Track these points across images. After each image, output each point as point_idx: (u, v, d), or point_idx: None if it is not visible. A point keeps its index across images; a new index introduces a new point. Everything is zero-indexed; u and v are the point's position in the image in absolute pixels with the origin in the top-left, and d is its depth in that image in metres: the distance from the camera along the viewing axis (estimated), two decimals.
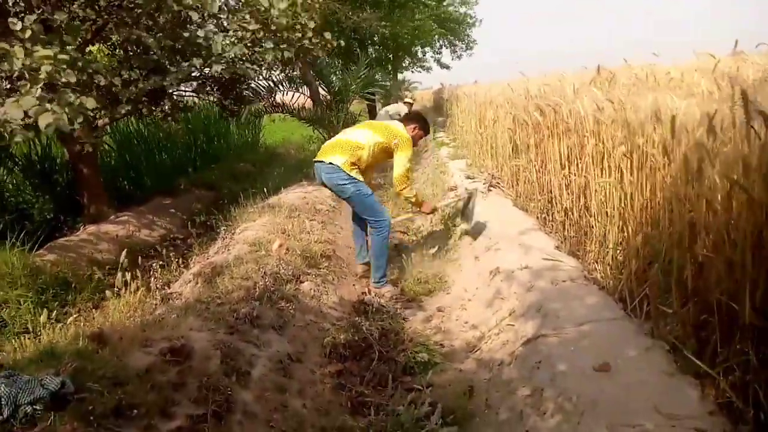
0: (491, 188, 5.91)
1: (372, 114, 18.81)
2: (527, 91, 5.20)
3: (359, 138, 4.18)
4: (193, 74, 5.24)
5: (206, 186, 9.14)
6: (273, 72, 7.73)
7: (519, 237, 4.01)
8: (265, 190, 6.12)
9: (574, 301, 2.88)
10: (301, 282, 3.53)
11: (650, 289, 2.67)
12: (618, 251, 3.24)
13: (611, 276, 3.23)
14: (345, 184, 4.00)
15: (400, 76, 11.16)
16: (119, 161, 8.85)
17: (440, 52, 22.69)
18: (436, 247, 4.88)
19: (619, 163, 3.33)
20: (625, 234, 3.23)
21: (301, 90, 8.96)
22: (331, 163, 4.00)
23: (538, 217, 4.69)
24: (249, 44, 5.50)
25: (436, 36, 19.21)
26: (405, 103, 12.01)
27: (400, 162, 4.15)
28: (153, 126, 10.00)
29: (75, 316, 3.88)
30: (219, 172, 10.21)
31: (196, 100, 8.01)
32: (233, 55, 5.29)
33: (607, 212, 3.41)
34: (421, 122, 4.53)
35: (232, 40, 5.11)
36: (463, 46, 22.76)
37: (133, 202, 7.86)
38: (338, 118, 8.63)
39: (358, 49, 10.58)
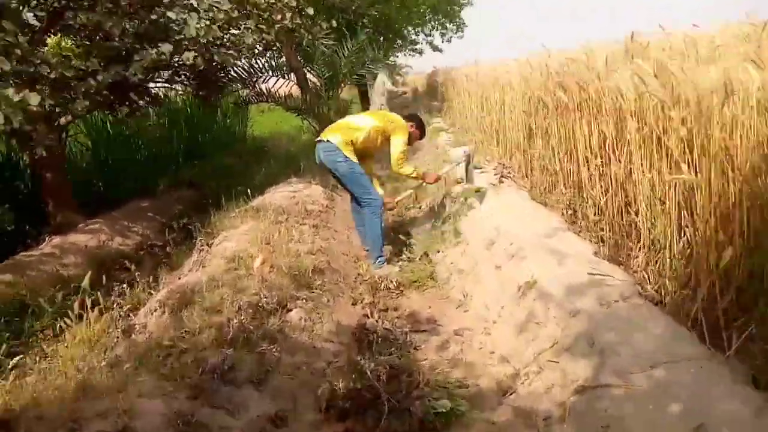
0: (502, 179, 5.27)
1: (365, 101, 18.09)
2: (546, 68, 4.52)
3: (358, 121, 4.58)
4: (162, 62, 4.54)
5: (189, 185, 8.46)
6: (254, 57, 6.97)
7: (546, 240, 3.38)
8: (249, 191, 5.44)
9: (636, 331, 2.25)
10: (289, 311, 2.88)
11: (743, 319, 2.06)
12: (680, 260, 2.61)
13: (673, 292, 2.60)
14: (340, 161, 4.26)
15: (392, 59, 10.44)
16: (93, 162, 8.15)
17: (431, 35, 21.91)
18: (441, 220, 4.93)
19: (673, 150, 2.69)
20: (687, 237, 2.60)
21: (287, 77, 8.25)
22: (329, 141, 4.27)
23: (563, 214, 4.06)
24: (224, 26, 4.82)
25: (428, 16, 18.42)
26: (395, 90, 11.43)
27: (396, 144, 4.41)
28: (133, 122, 9.33)
29: (21, 357, 3.23)
30: (203, 168, 9.53)
31: (172, 91, 7.27)
32: (207, 40, 4.60)
33: (661, 209, 2.77)
34: (419, 123, 4.85)
35: (206, 22, 4.42)
36: (454, 28, 21.97)
37: (108, 206, 7.18)
38: (328, 105, 7.94)
39: (347, 32, 9.81)
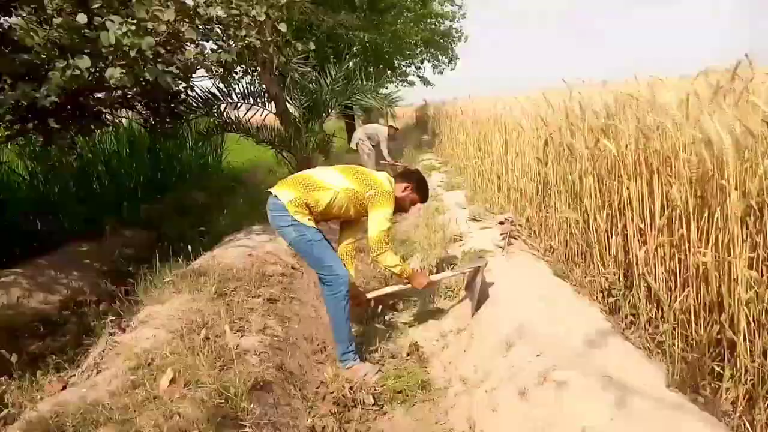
0: (511, 240, 4.26)
1: (351, 133, 17.20)
2: (572, 107, 3.56)
3: (325, 178, 3.22)
4: (80, 80, 3.50)
5: (143, 224, 7.35)
6: (217, 80, 5.92)
7: (591, 352, 2.35)
8: (185, 253, 4.35)
9: None
10: None
11: None
12: None
13: None
14: (286, 226, 3.09)
15: (382, 91, 9.53)
16: (31, 196, 7.01)
17: (422, 67, 21.29)
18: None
19: None
20: None
21: (264, 106, 7.25)
22: (276, 197, 3.12)
23: (596, 299, 3.05)
24: (169, 41, 3.82)
25: (419, 49, 17.73)
26: (389, 126, 10.28)
27: (376, 220, 3.14)
28: (85, 147, 8.25)
29: None
30: (165, 204, 8.44)
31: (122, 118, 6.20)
32: (143, 54, 3.59)
33: None
34: (417, 183, 3.48)
35: (131, 28, 3.41)
36: (446, 60, 21.37)
37: (40, 250, 6.05)
38: (306, 138, 6.94)
39: (333, 59, 8.93)
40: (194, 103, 6.34)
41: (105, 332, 3.00)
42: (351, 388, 2.74)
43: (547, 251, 4.23)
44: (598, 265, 3.13)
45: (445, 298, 3.92)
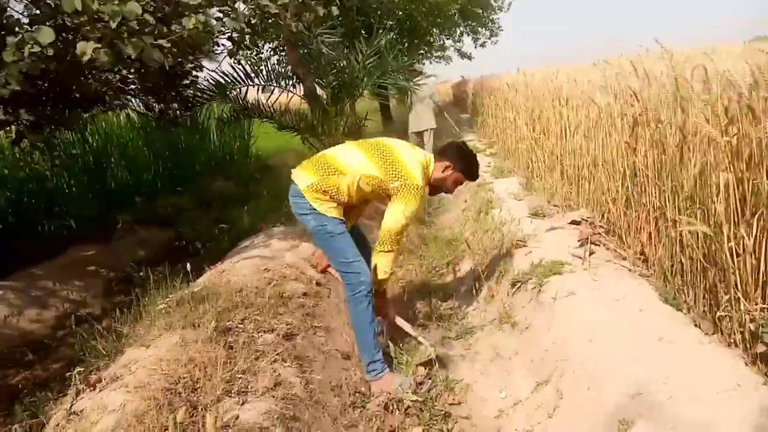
0: (593, 247, 3.36)
1: (386, 115, 16.26)
2: (671, 72, 2.62)
3: (347, 159, 2.83)
4: (52, 57, 2.73)
5: (160, 221, 6.69)
6: (234, 59, 5.04)
7: None
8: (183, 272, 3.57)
9: None
10: None
11: None
12: None
13: None
14: (305, 214, 2.82)
15: (418, 67, 8.59)
16: (36, 193, 6.39)
17: (461, 40, 20.08)
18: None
19: None
20: None
21: (289, 87, 6.44)
22: (295, 183, 2.83)
23: (740, 345, 2.16)
24: (153, 5, 3.02)
25: (458, 18, 16.54)
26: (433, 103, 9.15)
27: (394, 215, 2.74)
28: (101, 137, 7.62)
29: None
30: (187, 198, 7.77)
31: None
32: (125, 25, 2.81)
33: None
34: (462, 161, 3.00)
35: None
36: (487, 33, 20.09)
37: (44, 256, 5.44)
38: (335, 123, 6.11)
39: (364, 33, 8.02)
40: (206, 87, 5.56)
41: (71, 393, 2.27)
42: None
43: (636, 260, 3.33)
44: (735, 295, 2.21)
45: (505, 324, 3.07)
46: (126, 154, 7.87)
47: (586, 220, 3.67)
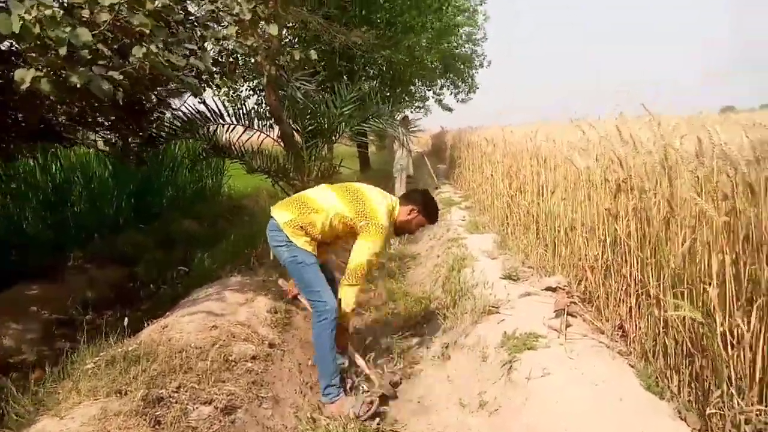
0: (569, 318, 3.14)
1: (363, 160, 16.19)
2: (659, 139, 2.48)
3: (323, 200, 3.18)
4: None
5: (118, 260, 6.31)
6: (192, 92, 4.83)
7: None
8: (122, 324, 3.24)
9: None
10: None
11: None
12: None
13: None
14: (280, 246, 3.08)
15: (401, 114, 8.61)
16: None
17: (441, 93, 20.39)
18: None
19: None
20: None
21: (262, 129, 6.22)
22: (273, 218, 3.14)
23: None
24: (110, 36, 2.80)
25: (438, 70, 16.75)
26: (408, 151, 9.67)
27: (360, 251, 3.06)
28: (62, 168, 7.26)
29: None
30: (146, 236, 7.41)
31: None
32: (73, 47, 2.58)
33: None
34: (423, 205, 3.38)
35: (55, 16, 2.40)
36: (466, 87, 20.45)
37: None
38: (308, 167, 5.90)
39: (346, 78, 7.92)
40: (172, 124, 5.31)
41: None
42: None
43: (615, 334, 3.11)
44: (728, 391, 1.99)
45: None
46: (90, 187, 7.52)
47: (563, 288, 3.46)
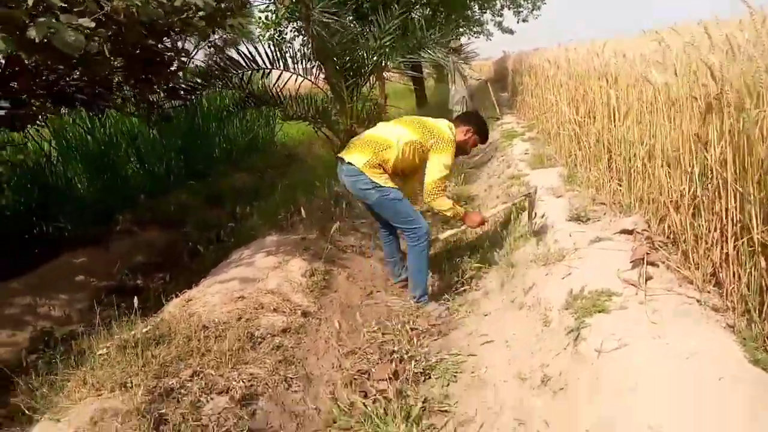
0: (650, 269, 2.62)
1: (420, 96, 15.41)
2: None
3: (389, 134, 3.41)
4: None
5: (165, 220, 6.20)
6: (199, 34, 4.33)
7: None
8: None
9: None
10: None
11: None
12: None
13: None
14: (368, 189, 3.31)
15: (457, 43, 7.90)
16: (29, 188, 5.94)
17: (501, 14, 18.95)
18: None
19: None
20: None
21: (297, 71, 5.75)
22: (350, 164, 3.30)
23: None
24: None
25: None
26: (464, 81, 9.12)
27: (435, 167, 3.35)
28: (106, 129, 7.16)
29: None
30: (198, 192, 7.28)
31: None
32: None
33: None
34: (477, 125, 3.68)
35: None
36: (529, 5, 18.87)
37: (40, 259, 5.02)
38: (350, 110, 5.44)
39: (389, 5, 7.22)
40: (200, 73, 4.94)
41: None
42: None
43: (706, 284, 2.57)
44: None
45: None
46: (136, 146, 7.41)
47: (641, 233, 2.90)
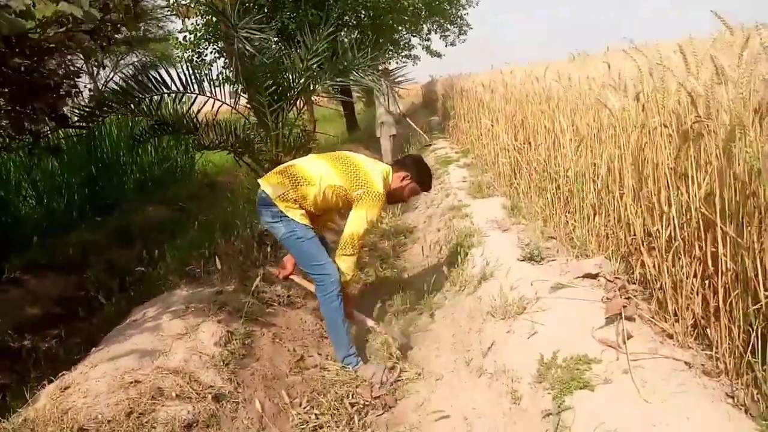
0: (626, 323, 2.25)
1: (350, 121, 15.06)
2: None
3: (312, 169, 3.02)
4: None
5: (62, 265, 5.39)
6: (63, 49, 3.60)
7: None
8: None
9: None
10: None
11: None
12: None
13: None
14: (274, 222, 2.98)
15: (383, 66, 7.56)
16: None
17: (428, 39, 18.98)
18: None
19: None
20: None
21: (214, 96, 5.16)
22: (263, 192, 2.99)
23: None
24: None
25: (423, 15, 15.44)
26: (388, 112, 8.80)
27: (358, 220, 2.93)
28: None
29: None
30: (109, 227, 6.49)
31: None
32: None
33: None
34: (417, 172, 3.26)
35: None
36: (456, 30, 19.02)
37: None
38: (275, 137, 4.92)
39: (318, 27, 6.76)
40: (104, 97, 4.28)
41: None
42: None
43: (687, 336, 2.24)
44: None
45: None
46: (32, 180, 6.54)
47: (610, 280, 2.55)
